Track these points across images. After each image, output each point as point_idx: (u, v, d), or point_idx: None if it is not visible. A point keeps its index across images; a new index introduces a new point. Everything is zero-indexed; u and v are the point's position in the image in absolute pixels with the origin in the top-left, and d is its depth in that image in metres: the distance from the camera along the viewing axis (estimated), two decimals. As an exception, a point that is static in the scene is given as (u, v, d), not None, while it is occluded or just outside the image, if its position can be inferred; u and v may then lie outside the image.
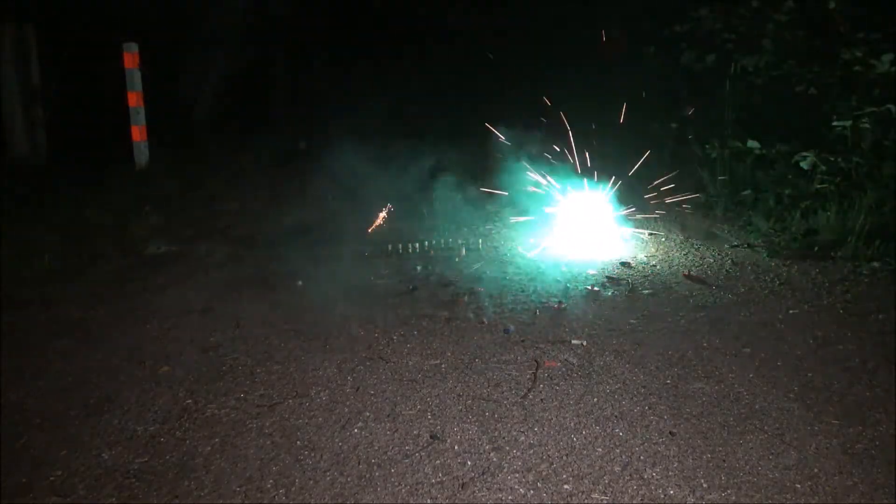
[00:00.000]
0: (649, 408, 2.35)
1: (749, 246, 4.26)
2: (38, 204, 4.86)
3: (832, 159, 4.32)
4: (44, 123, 6.51)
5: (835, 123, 4.35)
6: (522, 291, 3.49)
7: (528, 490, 1.92)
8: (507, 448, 2.12)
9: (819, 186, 4.36)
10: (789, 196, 4.49)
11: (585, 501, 1.88)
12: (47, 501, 1.90)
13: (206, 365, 2.71)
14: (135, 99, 6.23)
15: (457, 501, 1.89)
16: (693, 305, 3.32)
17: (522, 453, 2.10)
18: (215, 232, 4.80)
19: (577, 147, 5.49)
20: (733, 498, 1.89)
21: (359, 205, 5.49)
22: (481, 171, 5.86)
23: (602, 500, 1.89)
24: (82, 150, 6.60)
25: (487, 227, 4.87)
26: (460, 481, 1.96)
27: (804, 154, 4.34)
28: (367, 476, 1.99)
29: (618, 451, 2.11)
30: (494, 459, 2.07)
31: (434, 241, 4.29)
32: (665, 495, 1.90)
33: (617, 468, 2.02)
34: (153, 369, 2.68)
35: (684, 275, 3.77)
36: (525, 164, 5.08)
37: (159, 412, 2.36)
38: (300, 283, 3.67)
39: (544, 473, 2.00)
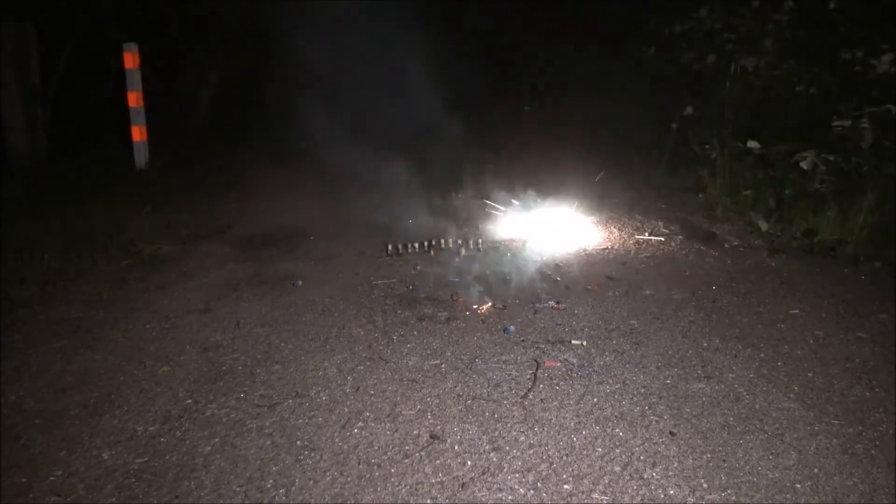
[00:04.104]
0: (649, 408, 2.35)
1: (749, 246, 4.26)
2: (38, 204, 4.86)
3: (832, 159, 4.33)
4: (44, 123, 6.51)
5: (835, 123, 4.36)
6: (521, 291, 3.49)
7: (528, 490, 1.92)
8: (507, 448, 2.12)
9: (819, 186, 4.36)
10: (789, 196, 4.49)
11: (585, 501, 1.88)
12: (47, 501, 1.90)
13: (206, 365, 2.72)
14: (135, 99, 6.23)
15: (457, 501, 1.88)
16: (693, 305, 3.32)
17: (522, 453, 2.10)
18: (215, 232, 4.80)
19: (575, 146, 5.49)
20: (733, 498, 1.89)
21: (357, 204, 5.50)
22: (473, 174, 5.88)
23: (602, 500, 1.89)
24: (82, 150, 6.60)
25: (478, 220, 4.87)
26: (460, 481, 1.96)
27: (804, 154, 4.35)
28: (367, 476, 1.99)
29: (618, 451, 2.11)
30: (494, 459, 2.07)
31: (435, 241, 4.28)
32: (665, 495, 1.90)
33: (617, 468, 2.02)
34: (153, 369, 2.68)
35: (684, 275, 3.77)
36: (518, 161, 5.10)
37: (159, 412, 2.36)
38: (300, 282, 3.67)
39: (544, 473, 2.00)
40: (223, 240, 4.58)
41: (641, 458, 2.07)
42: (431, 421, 2.28)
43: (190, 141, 7.85)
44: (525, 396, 2.44)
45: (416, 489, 1.93)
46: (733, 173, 5.17)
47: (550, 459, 2.06)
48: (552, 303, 3.33)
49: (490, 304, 3.32)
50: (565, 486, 1.94)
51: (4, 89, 6.20)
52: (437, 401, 2.41)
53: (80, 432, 2.23)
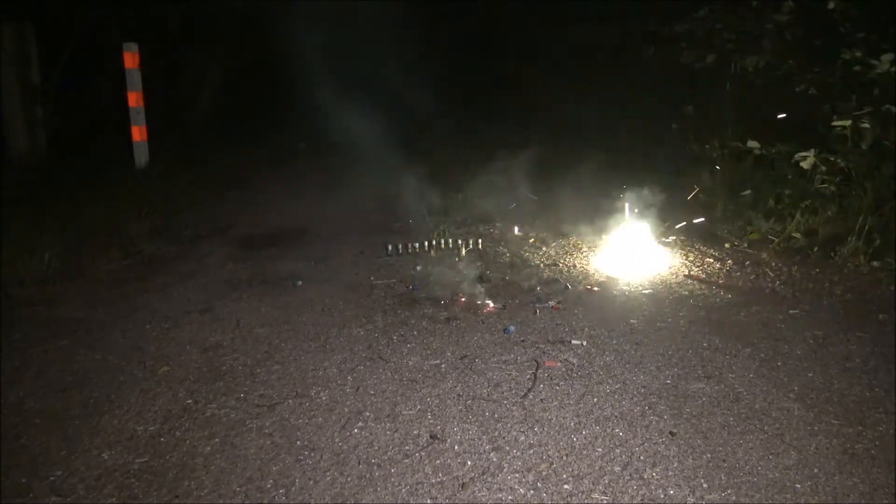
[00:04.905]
0: (649, 408, 2.35)
1: (749, 246, 4.26)
2: (38, 203, 4.86)
3: (832, 159, 4.32)
4: (44, 123, 6.51)
5: (835, 123, 4.35)
6: (521, 290, 3.49)
7: (528, 490, 1.92)
8: (507, 448, 2.12)
9: (819, 186, 4.35)
10: (789, 196, 4.48)
11: (585, 501, 1.88)
12: (47, 501, 1.90)
13: (206, 365, 2.72)
14: (135, 99, 6.23)
15: (457, 501, 1.88)
16: (693, 305, 3.32)
17: (522, 453, 2.09)
18: (215, 232, 4.80)
19: (574, 145, 5.48)
20: (733, 498, 1.89)
21: (357, 203, 5.51)
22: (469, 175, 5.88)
23: (602, 500, 1.89)
24: (82, 150, 6.61)
25: (478, 219, 4.87)
26: (460, 481, 1.96)
27: (804, 154, 4.34)
28: (367, 476, 1.99)
29: (618, 451, 2.11)
30: (494, 459, 2.07)
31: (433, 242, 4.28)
32: (665, 495, 1.90)
33: (617, 468, 2.02)
34: (153, 369, 2.68)
35: (684, 275, 3.77)
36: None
37: (159, 412, 2.36)
38: (300, 282, 3.67)
39: (544, 473, 2.00)
40: (223, 240, 4.59)
41: (641, 458, 2.07)
42: (431, 421, 2.28)
43: (190, 141, 7.85)
44: (525, 396, 2.44)
45: (416, 489, 1.93)
46: (733, 173, 5.16)
47: (550, 459, 2.06)
48: (552, 302, 3.33)
49: (490, 303, 3.32)
50: (565, 486, 1.94)
51: (4, 89, 6.20)
52: (437, 401, 2.41)
53: (80, 432, 2.23)
